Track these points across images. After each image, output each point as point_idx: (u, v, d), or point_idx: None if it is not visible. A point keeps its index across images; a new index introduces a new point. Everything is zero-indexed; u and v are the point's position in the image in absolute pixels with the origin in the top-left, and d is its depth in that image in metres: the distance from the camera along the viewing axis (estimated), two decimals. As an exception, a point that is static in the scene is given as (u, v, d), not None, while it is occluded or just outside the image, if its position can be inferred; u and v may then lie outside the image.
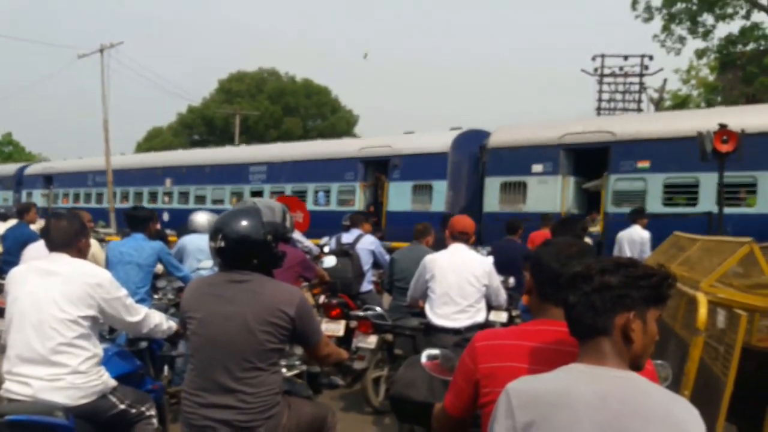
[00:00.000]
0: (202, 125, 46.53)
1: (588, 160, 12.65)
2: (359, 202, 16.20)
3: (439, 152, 14.79)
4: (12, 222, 8.54)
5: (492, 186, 13.39)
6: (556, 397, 1.49)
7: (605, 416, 1.44)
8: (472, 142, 14.77)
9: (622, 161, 11.86)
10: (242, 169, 19.38)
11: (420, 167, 14.92)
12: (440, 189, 14.57)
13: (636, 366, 1.58)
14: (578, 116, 15.07)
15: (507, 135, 13.65)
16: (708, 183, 10.26)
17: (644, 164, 11.62)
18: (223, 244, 2.64)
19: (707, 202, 10.31)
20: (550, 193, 12.57)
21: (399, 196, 15.23)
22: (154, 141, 47.50)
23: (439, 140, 15.18)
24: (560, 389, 1.51)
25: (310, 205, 15.61)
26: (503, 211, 12.65)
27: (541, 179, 12.69)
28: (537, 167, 12.76)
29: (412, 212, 14.32)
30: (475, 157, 14.38)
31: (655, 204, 11.27)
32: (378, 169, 16.38)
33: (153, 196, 22.18)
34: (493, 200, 13.43)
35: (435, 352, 2.81)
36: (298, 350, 3.18)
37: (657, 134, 11.64)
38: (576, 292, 1.60)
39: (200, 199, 20.08)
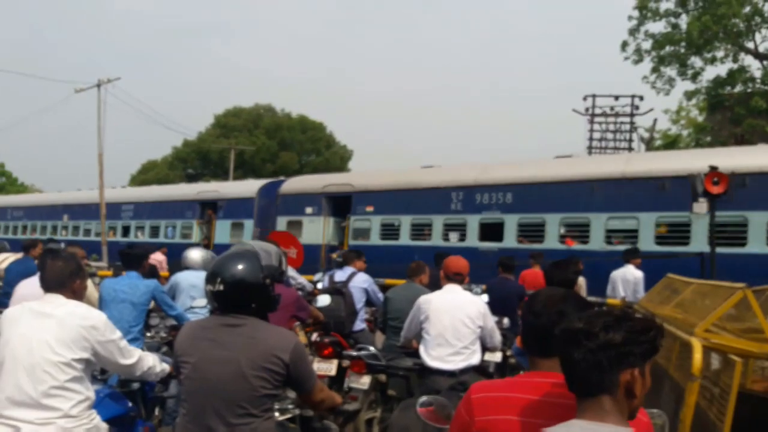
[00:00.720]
0: (196, 159, 46.78)
1: (341, 205, 16.52)
2: (195, 236, 19.78)
3: (249, 197, 18.95)
4: (7, 255, 8.61)
5: (281, 222, 17.38)
6: None
7: None
8: (272, 189, 18.55)
9: (358, 206, 15.98)
10: (116, 207, 23.29)
11: (236, 209, 19.12)
12: (249, 225, 18.52)
13: (632, 416, 1.60)
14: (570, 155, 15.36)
15: (292, 185, 18.15)
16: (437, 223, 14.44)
17: (370, 209, 15.69)
18: (221, 287, 2.63)
19: (405, 236, 14.87)
20: (316, 229, 16.61)
21: (222, 231, 19.28)
22: (148, 174, 47.63)
23: (250, 188, 19.57)
24: None
25: (161, 238, 20.43)
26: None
27: (311, 219, 16.89)
28: (308, 209, 17.00)
29: (230, 243, 16.57)
30: (273, 201, 18.22)
31: (375, 238, 15.42)
32: (211, 208, 20.06)
33: (54, 229, 25.78)
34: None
35: (430, 399, 2.79)
36: (291, 394, 3.16)
37: (381, 186, 15.82)
38: (580, 349, 1.58)
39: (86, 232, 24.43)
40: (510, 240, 13.15)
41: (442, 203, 14.34)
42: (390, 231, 15.31)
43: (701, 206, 8.45)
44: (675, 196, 10.85)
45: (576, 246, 12.31)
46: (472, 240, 13.66)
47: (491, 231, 13.55)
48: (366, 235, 15.67)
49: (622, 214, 11.98)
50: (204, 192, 20.98)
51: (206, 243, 18.90)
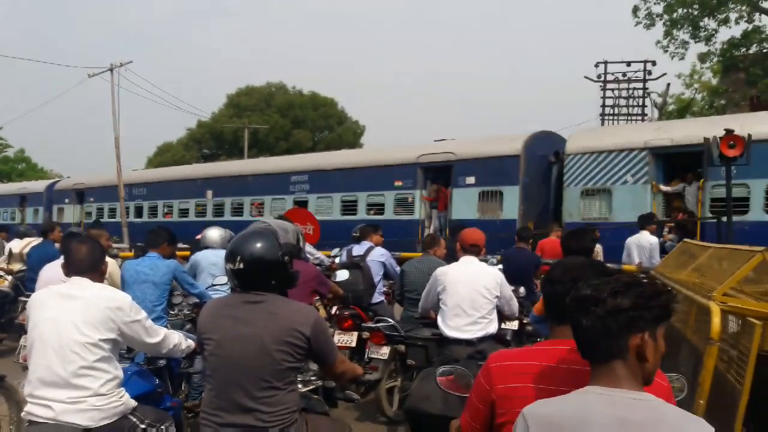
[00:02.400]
0: (211, 139, 46.81)
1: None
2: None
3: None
4: (31, 240, 8.76)
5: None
6: (574, 422, 1.51)
7: None
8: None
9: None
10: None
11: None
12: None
13: (647, 382, 1.61)
14: (582, 123, 15.14)
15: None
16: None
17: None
18: (241, 266, 2.67)
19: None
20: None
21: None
22: (164, 156, 47.78)
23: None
24: (578, 414, 1.52)
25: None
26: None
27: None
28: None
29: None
30: None
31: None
32: None
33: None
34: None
35: (449, 368, 2.83)
36: (314, 366, 3.21)
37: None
38: (588, 316, 1.60)
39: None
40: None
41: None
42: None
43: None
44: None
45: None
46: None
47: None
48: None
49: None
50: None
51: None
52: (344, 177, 16.63)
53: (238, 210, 19.28)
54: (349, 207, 16.32)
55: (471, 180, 14.06)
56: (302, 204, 16.83)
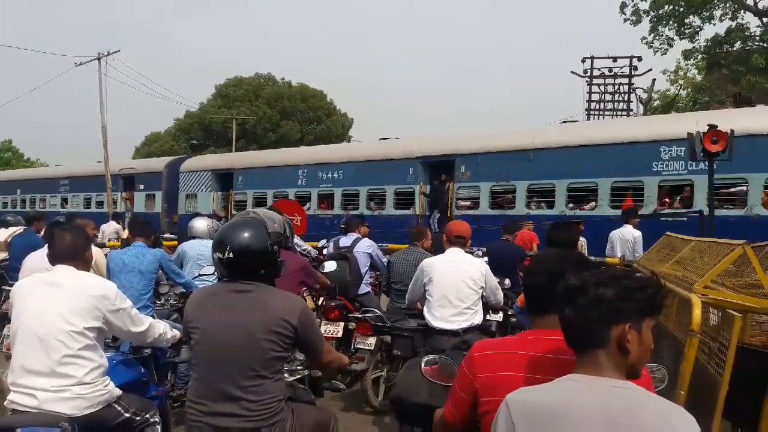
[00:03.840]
0: (199, 130, 46.48)
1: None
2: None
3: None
4: (15, 229, 8.68)
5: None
6: (556, 409, 1.53)
7: (604, 429, 1.47)
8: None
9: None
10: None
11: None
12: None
13: (633, 374, 1.61)
14: (567, 118, 15.32)
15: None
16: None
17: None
18: (231, 255, 2.67)
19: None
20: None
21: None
22: (153, 146, 47.44)
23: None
24: (559, 401, 1.54)
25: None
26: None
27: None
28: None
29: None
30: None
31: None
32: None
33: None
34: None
35: (434, 358, 2.86)
36: (300, 355, 3.22)
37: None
38: (572, 305, 1.63)
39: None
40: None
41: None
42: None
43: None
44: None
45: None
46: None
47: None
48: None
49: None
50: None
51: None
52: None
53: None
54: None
55: (143, 186, 23.24)
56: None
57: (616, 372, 1.58)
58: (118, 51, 24.59)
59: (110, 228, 15.58)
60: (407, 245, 6.52)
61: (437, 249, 5.58)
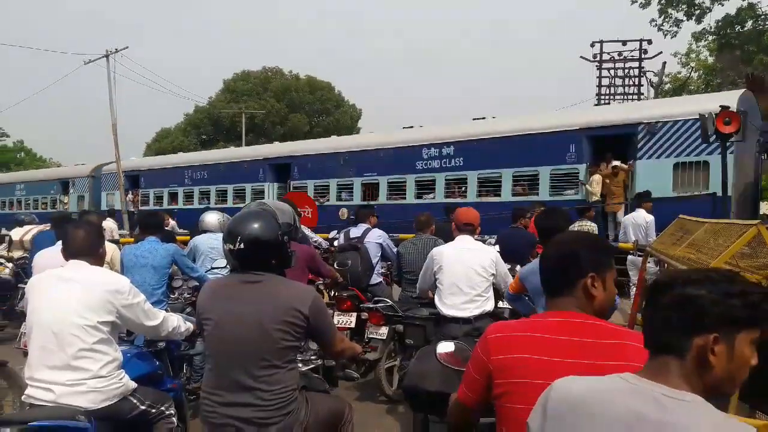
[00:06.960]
0: (209, 125, 46.70)
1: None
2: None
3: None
4: (30, 227, 8.79)
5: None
6: (591, 402, 1.39)
7: None
8: None
9: None
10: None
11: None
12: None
13: (715, 395, 1.35)
14: (578, 102, 15.16)
15: None
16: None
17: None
18: (242, 246, 2.68)
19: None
20: None
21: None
22: (163, 142, 47.72)
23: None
24: (599, 395, 1.39)
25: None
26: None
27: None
28: None
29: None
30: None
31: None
32: None
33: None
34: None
35: (449, 343, 2.86)
36: (314, 345, 3.23)
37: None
38: (653, 305, 1.41)
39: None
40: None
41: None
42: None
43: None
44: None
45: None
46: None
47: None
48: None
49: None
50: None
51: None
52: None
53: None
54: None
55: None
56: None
57: (682, 383, 1.33)
58: (127, 48, 24.76)
59: (107, 225, 15.73)
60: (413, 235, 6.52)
61: (447, 237, 5.57)
